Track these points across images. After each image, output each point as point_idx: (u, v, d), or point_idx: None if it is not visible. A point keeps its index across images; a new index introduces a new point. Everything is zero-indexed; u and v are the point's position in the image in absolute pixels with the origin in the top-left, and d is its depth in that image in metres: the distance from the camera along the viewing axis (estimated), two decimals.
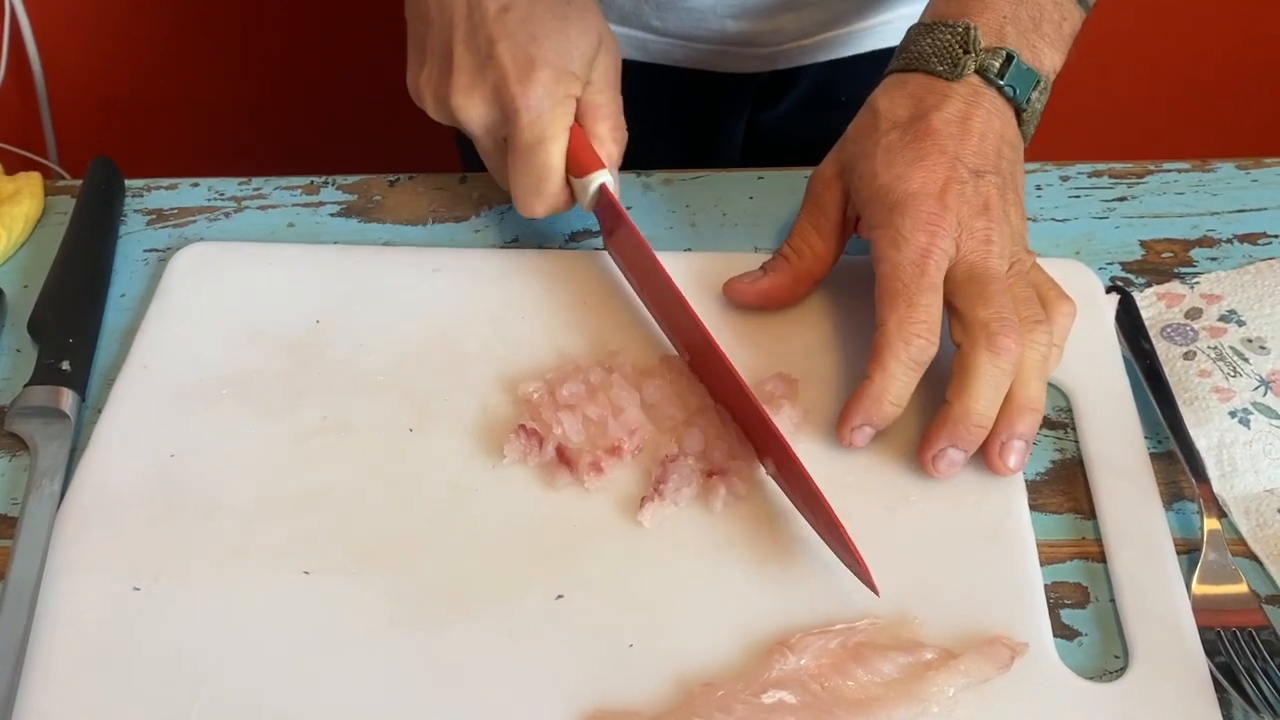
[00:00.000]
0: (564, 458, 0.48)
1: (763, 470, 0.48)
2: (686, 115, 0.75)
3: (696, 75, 0.70)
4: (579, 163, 0.52)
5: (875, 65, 0.56)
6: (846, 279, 0.54)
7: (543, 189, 0.52)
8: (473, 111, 0.52)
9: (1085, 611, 0.45)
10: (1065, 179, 0.61)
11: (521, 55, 0.50)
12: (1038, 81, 0.51)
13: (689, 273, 0.55)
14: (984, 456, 0.47)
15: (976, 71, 0.50)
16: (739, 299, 0.53)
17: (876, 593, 0.43)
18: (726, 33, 0.66)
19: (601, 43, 0.53)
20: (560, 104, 0.51)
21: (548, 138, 0.51)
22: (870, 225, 0.49)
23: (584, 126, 0.53)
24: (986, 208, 0.48)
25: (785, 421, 0.49)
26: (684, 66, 0.68)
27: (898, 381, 0.46)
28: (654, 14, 0.65)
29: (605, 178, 0.52)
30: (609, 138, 0.53)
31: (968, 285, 0.47)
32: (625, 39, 0.67)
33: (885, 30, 0.72)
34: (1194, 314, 0.54)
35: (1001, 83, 0.50)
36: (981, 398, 0.46)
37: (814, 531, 0.46)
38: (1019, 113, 0.51)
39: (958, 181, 0.48)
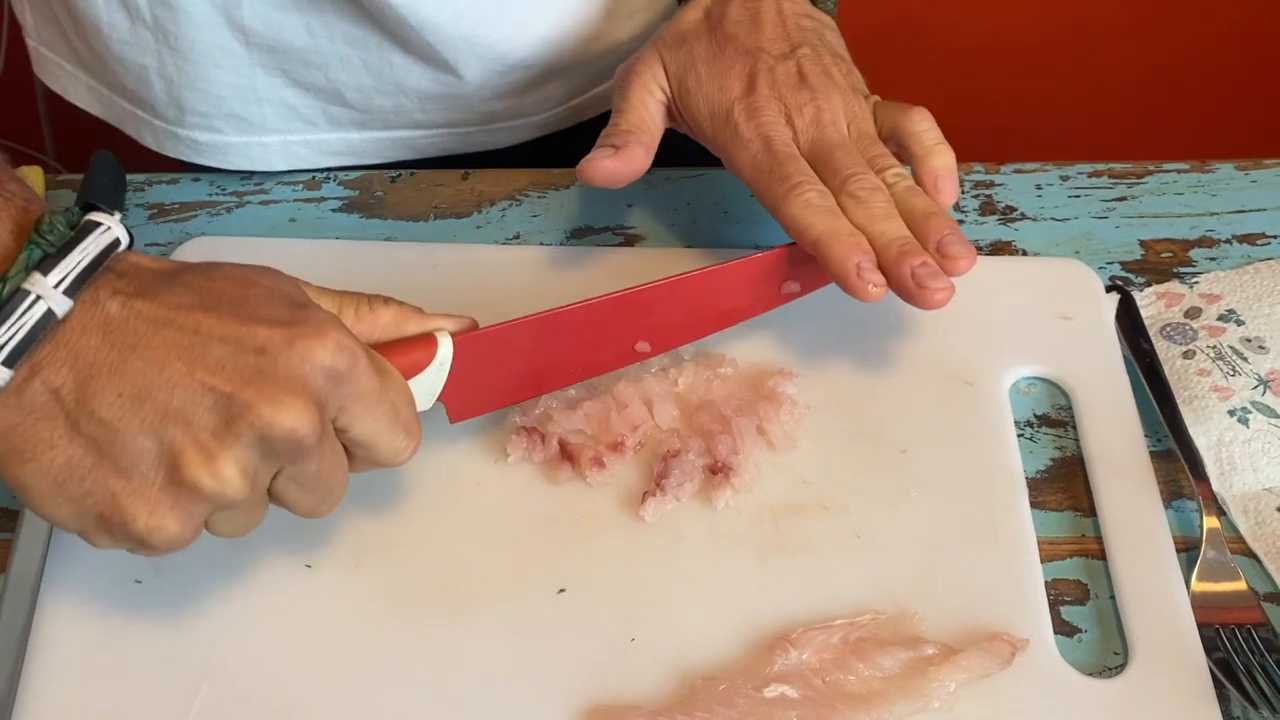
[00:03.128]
0: (566, 453, 0.48)
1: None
2: None
3: (472, 158, 0.68)
4: (412, 360, 0.43)
5: None
6: None
7: (413, 415, 0.42)
8: (303, 411, 0.37)
9: (1085, 608, 0.45)
10: (1065, 178, 0.61)
11: (290, 321, 0.38)
12: None
13: (693, 269, 0.55)
14: (941, 268, 0.46)
15: None
16: (603, 175, 0.51)
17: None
18: (494, 112, 0.65)
19: (289, 275, 0.43)
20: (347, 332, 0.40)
21: (385, 364, 0.42)
22: (714, 142, 0.52)
23: (361, 330, 0.44)
24: (802, 78, 0.51)
25: (787, 417, 0.49)
26: (458, 153, 0.67)
27: (832, 222, 0.47)
28: (418, 108, 0.63)
29: (444, 341, 0.44)
30: (392, 315, 0.45)
31: (816, 162, 0.50)
32: (390, 142, 0.65)
33: None
34: (1193, 313, 0.55)
35: None
36: (884, 230, 0.47)
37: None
38: None
39: (766, 70, 0.51)
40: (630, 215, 0.60)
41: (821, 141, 0.50)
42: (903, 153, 0.51)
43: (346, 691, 0.42)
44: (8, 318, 0.36)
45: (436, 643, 0.43)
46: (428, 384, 0.44)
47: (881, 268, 0.46)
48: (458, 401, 0.46)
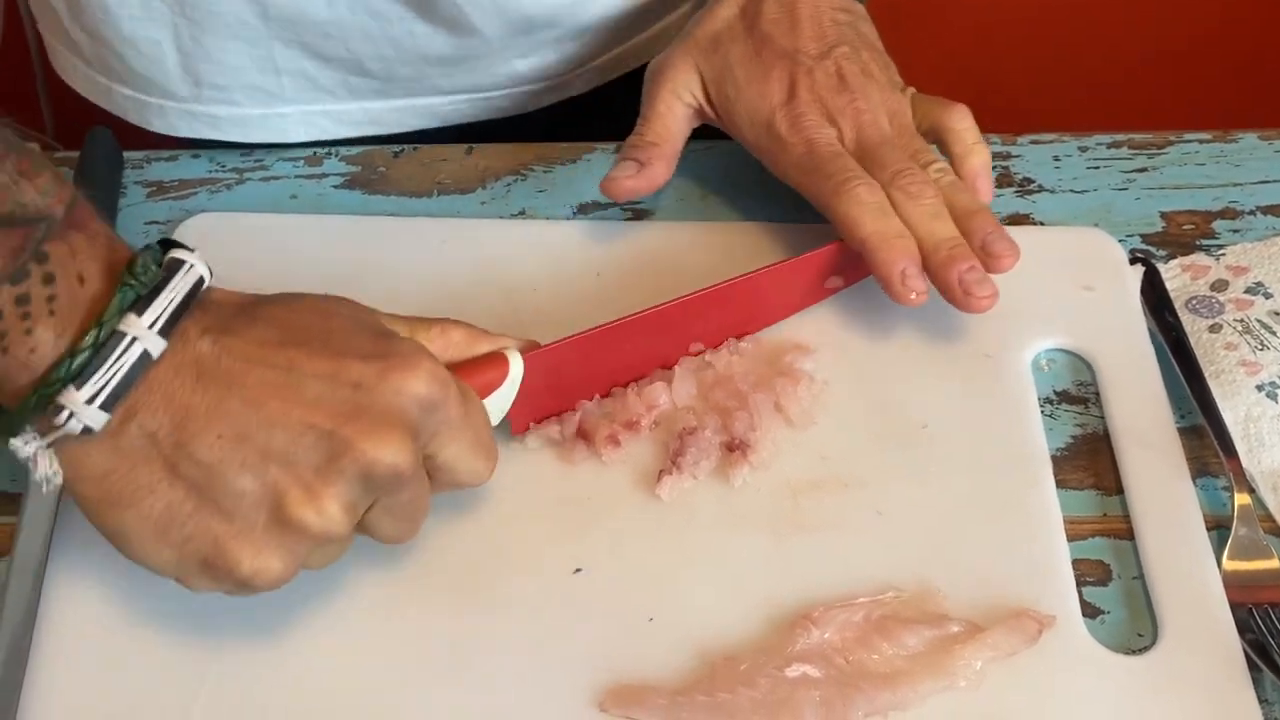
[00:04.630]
0: (581, 431, 0.47)
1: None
2: None
3: (494, 125, 0.67)
4: (487, 380, 0.43)
5: None
6: None
7: (491, 437, 0.42)
8: (402, 444, 0.37)
9: (1108, 589, 0.44)
10: (1084, 150, 0.60)
11: (380, 354, 0.38)
12: None
13: (702, 243, 0.55)
14: (986, 266, 0.47)
15: None
16: (625, 193, 0.53)
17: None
18: (517, 73, 0.64)
19: (365, 305, 0.43)
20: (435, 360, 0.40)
21: (467, 388, 0.41)
22: (757, 148, 0.52)
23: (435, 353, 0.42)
24: (842, 80, 0.51)
25: (805, 393, 0.48)
26: (480, 120, 0.66)
27: (881, 222, 0.47)
28: (440, 74, 0.62)
29: (515, 359, 0.44)
30: (462, 336, 0.44)
31: (863, 160, 0.50)
32: (412, 111, 0.64)
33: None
34: (1220, 286, 0.53)
35: None
36: (933, 231, 0.48)
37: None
38: None
39: (805, 73, 0.51)
40: None
41: (866, 141, 0.50)
42: (940, 147, 0.52)
43: (359, 674, 0.42)
44: (105, 360, 0.35)
45: (451, 624, 0.43)
46: (500, 401, 0.44)
47: (928, 268, 0.47)
48: (521, 415, 0.46)
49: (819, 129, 0.50)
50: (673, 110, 0.53)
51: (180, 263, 0.37)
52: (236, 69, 0.60)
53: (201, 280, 0.38)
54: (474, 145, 0.62)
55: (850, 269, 0.50)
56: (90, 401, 0.35)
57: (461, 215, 0.58)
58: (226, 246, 0.55)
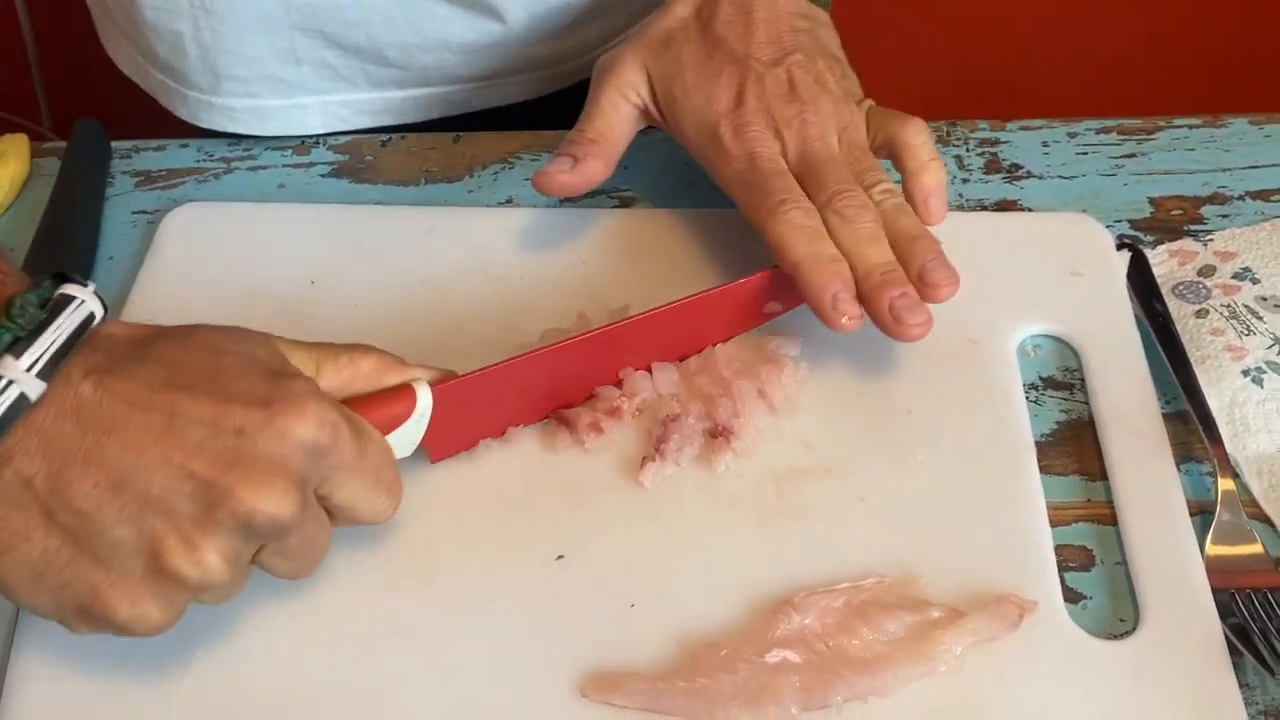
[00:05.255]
0: (563, 419, 0.47)
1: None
2: None
3: (508, 111, 0.67)
4: (392, 414, 0.42)
5: None
6: None
7: (394, 475, 0.41)
8: (284, 494, 0.36)
9: (1090, 575, 0.44)
10: (1072, 135, 0.60)
11: (267, 399, 0.37)
12: None
13: (687, 231, 0.54)
14: (922, 295, 0.46)
15: None
16: (558, 188, 0.51)
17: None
18: (534, 57, 0.64)
19: (265, 337, 0.41)
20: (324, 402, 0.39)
21: (365, 427, 0.40)
22: (700, 155, 0.51)
23: (342, 382, 0.42)
24: (792, 89, 0.49)
25: (789, 380, 0.48)
26: (494, 107, 0.65)
27: (814, 246, 0.46)
28: (460, 62, 0.62)
29: (424, 392, 0.43)
30: (372, 366, 0.43)
31: (805, 178, 0.48)
32: (431, 99, 0.64)
33: None
34: (1207, 271, 0.53)
35: None
36: (867, 255, 0.46)
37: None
38: None
39: (754, 80, 0.49)
40: (625, 177, 0.58)
41: (810, 156, 0.48)
42: (894, 162, 0.50)
43: (341, 660, 0.42)
44: None
45: (433, 611, 0.42)
46: (408, 435, 0.43)
47: (860, 295, 0.46)
48: (438, 444, 0.45)
49: (762, 141, 0.48)
50: (617, 108, 0.52)
51: (68, 300, 0.36)
52: (256, 59, 0.59)
53: (91, 317, 0.37)
54: (461, 134, 0.61)
55: (787, 294, 0.49)
56: None
57: (449, 203, 0.58)
58: (214, 236, 0.55)
